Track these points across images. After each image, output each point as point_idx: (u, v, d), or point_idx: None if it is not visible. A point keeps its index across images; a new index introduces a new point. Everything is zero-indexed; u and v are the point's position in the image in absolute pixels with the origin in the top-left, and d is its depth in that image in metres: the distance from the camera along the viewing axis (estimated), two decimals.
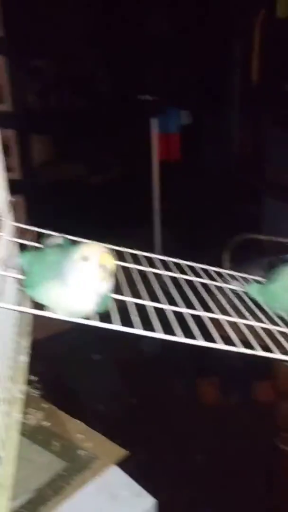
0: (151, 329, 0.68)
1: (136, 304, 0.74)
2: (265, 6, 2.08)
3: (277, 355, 0.71)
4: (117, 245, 0.95)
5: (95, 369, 2.30)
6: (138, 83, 3.00)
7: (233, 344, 0.71)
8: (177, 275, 0.90)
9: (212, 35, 2.98)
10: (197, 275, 0.97)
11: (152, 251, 2.93)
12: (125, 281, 0.80)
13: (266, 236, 1.14)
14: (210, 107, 3.00)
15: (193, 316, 0.76)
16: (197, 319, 0.77)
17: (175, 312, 0.75)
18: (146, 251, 1.00)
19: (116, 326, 0.66)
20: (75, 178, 3.78)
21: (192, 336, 0.70)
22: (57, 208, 2.78)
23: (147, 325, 0.69)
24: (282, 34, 1.99)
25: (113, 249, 0.91)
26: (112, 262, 0.62)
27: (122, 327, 0.66)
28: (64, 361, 2.25)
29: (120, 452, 0.91)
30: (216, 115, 3.09)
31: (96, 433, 0.96)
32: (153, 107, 2.86)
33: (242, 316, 0.82)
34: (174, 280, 0.92)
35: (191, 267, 0.98)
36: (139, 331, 0.67)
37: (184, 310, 0.76)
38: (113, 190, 3.56)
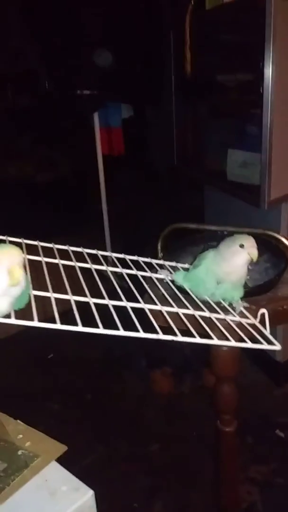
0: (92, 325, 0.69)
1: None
2: None
3: (197, 339, 0.73)
4: (67, 241, 0.96)
5: (46, 367, 2.29)
6: (77, 78, 2.98)
7: (156, 332, 0.73)
8: (104, 267, 0.91)
9: (147, 28, 3.01)
10: (128, 266, 0.98)
11: (103, 246, 2.91)
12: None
13: (194, 225, 1.16)
14: (149, 100, 3.02)
15: (116, 307, 0.77)
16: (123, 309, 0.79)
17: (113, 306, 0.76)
18: (96, 246, 1.01)
19: (43, 324, 0.66)
20: (21, 177, 3.74)
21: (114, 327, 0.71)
22: (3, 207, 2.74)
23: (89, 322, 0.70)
24: (210, 25, 2.02)
25: (42, 246, 0.91)
26: (19, 271, 0.63)
27: (54, 325, 0.66)
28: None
29: (60, 448, 0.91)
30: (155, 108, 3.12)
31: (36, 431, 0.96)
32: (94, 102, 2.84)
33: (166, 303, 0.84)
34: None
35: (120, 259, 0.99)
36: (79, 328, 0.67)
37: (106, 301, 0.76)
38: (60, 186, 3.54)
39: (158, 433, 1.85)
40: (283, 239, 1.04)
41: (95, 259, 0.96)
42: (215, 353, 1.04)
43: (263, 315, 0.85)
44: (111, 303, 0.76)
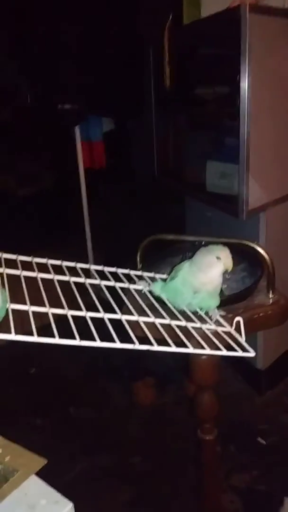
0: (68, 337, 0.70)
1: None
2: (173, 13, 2.15)
3: (172, 348, 0.74)
4: (50, 255, 0.97)
5: (28, 382, 2.28)
6: (58, 92, 3.00)
7: (132, 342, 0.74)
8: (82, 279, 0.92)
9: (126, 43, 3.05)
10: (109, 278, 0.99)
11: (86, 259, 2.91)
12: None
13: (172, 236, 1.17)
14: (130, 114, 3.05)
15: (94, 318, 0.78)
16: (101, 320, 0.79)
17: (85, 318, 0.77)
18: (79, 259, 1.02)
19: (19, 337, 0.66)
20: (2, 191, 3.73)
21: (91, 338, 0.72)
22: None
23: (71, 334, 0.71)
24: (188, 40, 2.06)
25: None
26: None
27: (31, 337, 0.67)
28: None
29: (40, 461, 0.91)
30: (136, 121, 3.15)
31: (15, 446, 0.95)
32: (75, 116, 2.86)
33: (144, 314, 0.85)
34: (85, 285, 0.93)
35: (100, 272, 1.00)
36: (56, 340, 0.67)
37: (83, 313, 0.77)
38: (42, 200, 3.54)
39: (141, 444, 1.84)
40: (259, 249, 1.06)
41: (77, 272, 0.97)
42: (194, 362, 1.06)
43: (238, 322, 0.87)
44: (88, 315, 0.77)
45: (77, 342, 0.69)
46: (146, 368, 2.10)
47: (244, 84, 1.59)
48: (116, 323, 0.80)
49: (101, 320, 0.78)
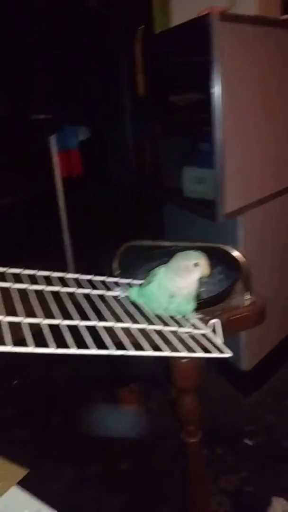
0: (44, 345, 0.70)
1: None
2: (144, 21, 2.17)
3: (148, 352, 0.75)
4: (29, 264, 0.97)
5: (11, 394, 2.26)
6: (32, 103, 3.00)
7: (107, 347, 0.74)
8: (57, 288, 0.92)
9: (99, 52, 3.07)
10: (90, 286, 0.99)
11: (65, 267, 2.90)
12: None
13: (149, 241, 1.18)
14: (105, 122, 3.06)
15: (69, 326, 0.78)
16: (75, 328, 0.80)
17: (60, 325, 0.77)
18: (58, 268, 1.02)
19: None
20: None
21: (66, 346, 0.72)
22: None
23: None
24: (160, 48, 2.09)
25: None
26: None
27: (5, 347, 0.67)
28: None
29: (20, 472, 0.90)
30: (112, 129, 3.17)
31: None
32: (50, 125, 2.87)
33: (120, 319, 0.85)
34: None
35: (75, 279, 1.00)
36: (30, 349, 0.67)
37: (58, 321, 0.77)
38: (19, 211, 3.53)
39: (128, 451, 1.84)
40: (234, 251, 1.07)
41: (59, 281, 0.97)
42: (174, 365, 1.06)
43: (215, 324, 0.88)
44: (63, 323, 0.77)
45: (52, 350, 0.70)
46: (131, 374, 2.10)
47: (217, 90, 1.61)
48: (96, 331, 0.80)
49: (90, 328, 0.78)
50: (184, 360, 1.04)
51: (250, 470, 1.72)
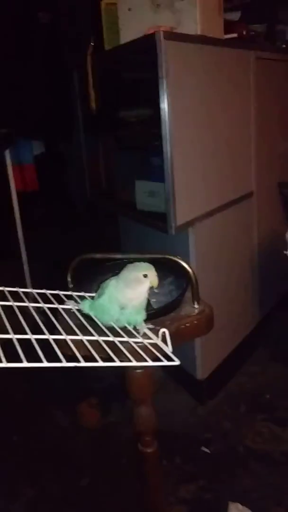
0: None
1: None
2: (94, 39, 2.21)
3: (99, 363, 0.77)
4: None
5: None
6: None
7: (59, 360, 0.75)
8: (9, 303, 0.92)
9: (52, 68, 3.09)
10: (35, 301, 1.00)
11: (23, 282, 2.85)
12: None
13: (100, 254, 1.20)
14: (59, 137, 3.08)
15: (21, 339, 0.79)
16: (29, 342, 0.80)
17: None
18: (16, 283, 1.02)
19: None
20: None
21: (19, 360, 0.73)
22: None
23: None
24: (110, 64, 2.13)
25: None
26: None
27: None
28: None
29: None
30: (66, 144, 3.19)
31: None
32: (3, 140, 2.85)
33: (72, 332, 0.87)
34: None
35: (26, 293, 1.01)
36: None
37: (10, 336, 0.78)
38: None
39: (88, 467, 1.83)
40: (181, 262, 1.11)
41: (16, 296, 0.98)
42: (128, 376, 1.08)
43: (164, 334, 0.91)
44: (15, 337, 0.78)
45: (3, 364, 0.70)
46: (89, 388, 2.10)
47: (164, 106, 1.66)
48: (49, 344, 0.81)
49: (44, 342, 0.79)
50: (138, 371, 1.06)
51: (208, 477, 1.74)
